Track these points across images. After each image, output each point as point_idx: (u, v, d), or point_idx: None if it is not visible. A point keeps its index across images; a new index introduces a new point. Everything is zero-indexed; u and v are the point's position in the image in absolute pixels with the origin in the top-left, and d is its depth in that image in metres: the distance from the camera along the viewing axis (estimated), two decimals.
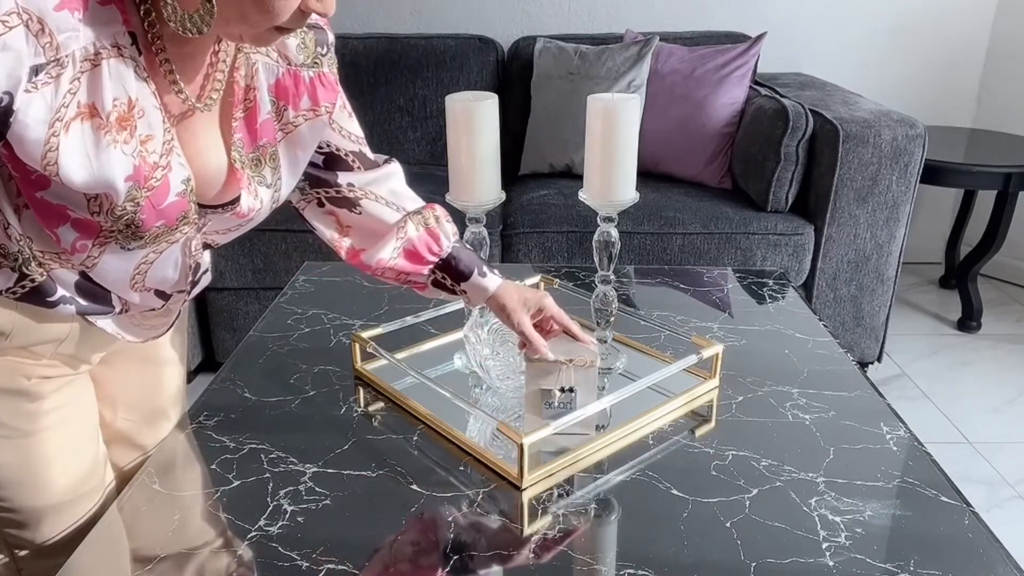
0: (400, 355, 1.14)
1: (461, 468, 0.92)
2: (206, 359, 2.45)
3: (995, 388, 2.42)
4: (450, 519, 0.84)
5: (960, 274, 2.80)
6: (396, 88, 2.79)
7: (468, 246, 1.04)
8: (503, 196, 1.09)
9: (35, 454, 0.90)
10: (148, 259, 0.84)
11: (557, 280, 1.35)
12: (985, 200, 2.95)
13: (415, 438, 0.98)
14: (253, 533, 0.82)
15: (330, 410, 1.04)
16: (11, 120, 0.66)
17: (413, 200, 1.05)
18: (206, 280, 0.98)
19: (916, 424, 2.19)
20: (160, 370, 1.09)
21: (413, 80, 2.79)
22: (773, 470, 0.91)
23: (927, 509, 0.85)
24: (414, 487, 0.89)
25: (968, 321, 2.77)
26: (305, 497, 0.87)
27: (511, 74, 2.84)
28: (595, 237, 1.08)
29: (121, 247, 0.80)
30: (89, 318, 0.88)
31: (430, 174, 2.64)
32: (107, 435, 1.03)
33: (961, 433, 2.20)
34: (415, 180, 2.82)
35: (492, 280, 1.00)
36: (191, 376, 2.42)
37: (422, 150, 2.84)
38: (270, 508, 0.85)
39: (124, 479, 1.04)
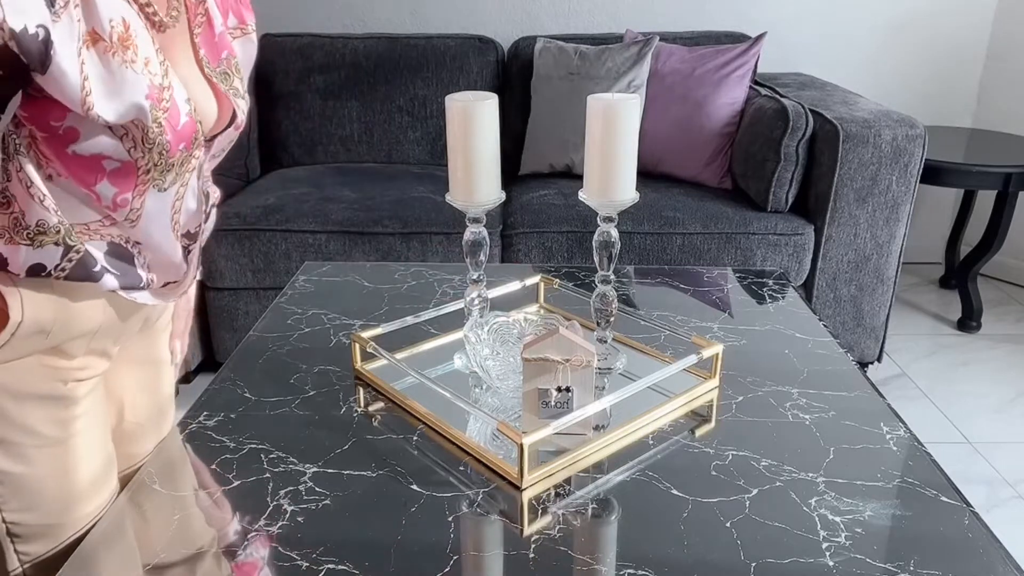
0: (400, 355, 1.14)
1: (461, 468, 0.92)
2: (206, 359, 2.45)
3: (995, 388, 2.42)
4: (450, 519, 0.84)
5: (960, 274, 2.80)
6: (396, 88, 2.79)
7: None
8: (503, 196, 1.09)
9: (64, 463, 0.90)
10: (180, 195, 0.85)
11: (557, 280, 1.35)
12: (985, 200, 2.95)
13: (415, 438, 0.98)
14: (253, 533, 0.82)
15: (330, 410, 1.04)
16: (52, 53, 0.64)
17: None
18: (213, 218, 0.99)
19: (916, 424, 2.20)
20: (159, 370, 1.09)
21: (413, 80, 2.79)
22: (773, 470, 0.91)
23: (927, 509, 0.85)
24: (414, 487, 0.89)
25: (968, 321, 2.77)
26: (305, 497, 0.87)
27: (511, 74, 2.84)
28: (595, 237, 1.08)
29: (158, 188, 0.80)
30: (123, 293, 0.87)
31: (430, 174, 2.64)
32: (113, 437, 1.04)
33: (961, 433, 2.20)
34: (415, 180, 2.82)
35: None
36: (191, 376, 2.42)
37: (422, 150, 2.84)
38: (270, 508, 0.85)
39: (124, 481, 1.04)
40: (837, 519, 0.83)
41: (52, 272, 0.79)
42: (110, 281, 0.84)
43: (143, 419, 1.07)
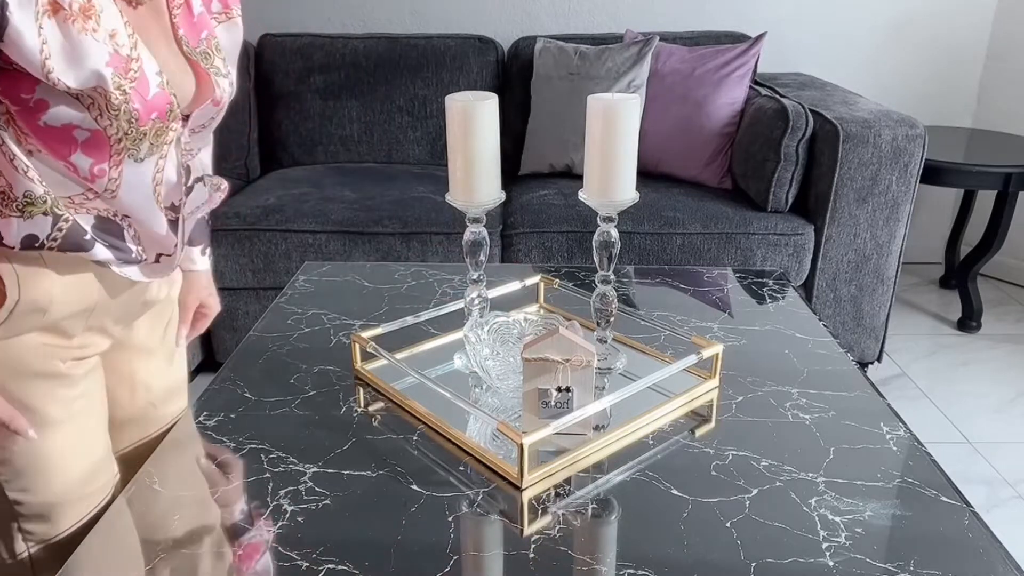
0: (400, 355, 1.14)
1: (461, 468, 0.92)
2: (206, 359, 2.45)
3: (995, 388, 2.42)
4: (450, 519, 0.84)
5: (960, 274, 2.80)
6: (396, 88, 2.79)
7: (208, 223, 1.17)
8: (503, 196, 1.09)
9: (63, 443, 0.92)
10: (160, 167, 0.87)
11: (557, 280, 1.35)
12: (985, 200, 2.95)
13: (415, 438, 0.98)
14: (253, 533, 0.82)
15: (330, 410, 1.04)
16: (7, 15, 0.67)
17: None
18: (201, 195, 1.00)
19: (916, 424, 2.20)
20: (168, 353, 1.13)
21: (413, 80, 2.79)
22: (773, 470, 0.91)
23: (927, 509, 0.85)
24: (414, 487, 0.89)
25: (968, 321, 2.77)
26: (305, 497, 0.87)
27: (511, 74, 2.84)
28: (595, 237, 1.08)
29: (133, 159, 0.82)
30: (115, 269, 0.89)
31: (430, 174, 2.64)
32: (126, 415, 1.08)
33: (961, 433, 2.20)
34: (415, 180, 2.81)
35: (200, 262, 1.16)
36: (191, 376, 2.42)
37: (422, 150, 2.84)
38: (270, 508, 0.85)
39: (130, 460, 1.08)
40: (837, 519, 0.83)
41: (45, 243, 0.81)
42: (101, 251, 0.85)
43: (155, 400, 1.11)
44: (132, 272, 0.91)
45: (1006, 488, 1.97)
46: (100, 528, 0.84)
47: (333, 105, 2.79)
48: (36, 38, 0.70)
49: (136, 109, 0.79)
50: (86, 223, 0.85)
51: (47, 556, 0.95)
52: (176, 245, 0.95)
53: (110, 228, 0.87)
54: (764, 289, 1.42)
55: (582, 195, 1.06)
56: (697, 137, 2.49)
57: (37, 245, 0.81)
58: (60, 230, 0.82)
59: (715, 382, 1.09)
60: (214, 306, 1.21)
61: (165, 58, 0.85)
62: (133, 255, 0.90)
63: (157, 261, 0.95)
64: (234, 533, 0.82)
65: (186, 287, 1.16)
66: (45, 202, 0.80)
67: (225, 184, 1.09)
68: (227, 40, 0.96)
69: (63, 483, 0.93)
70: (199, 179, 0.99)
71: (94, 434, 0.97)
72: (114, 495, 1.00)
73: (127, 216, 0.88)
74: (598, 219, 1.08)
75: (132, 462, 1.08)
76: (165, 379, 1.13)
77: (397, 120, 2.81)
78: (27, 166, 0.78)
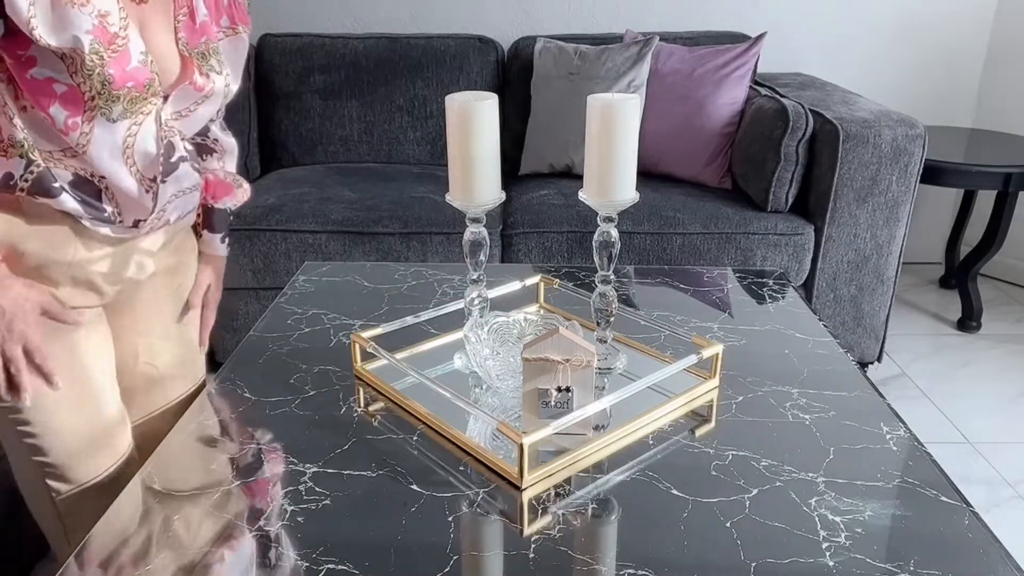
0: (400, 355, 1.14)
1: (461, 468, 0.92)
2: (206, 359, 2.45)
3: (995, 388, 2.42)
4: (450, 519, 0.84)
5: (960, 274, 2.80)
6: (396, 88, 2.79)
7: (231, 215, 1.31)
8: (503, 196, 1.09)
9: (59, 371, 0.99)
10: (132, 132, 0.95)
11: (557, 280, 1.35)
12: (985, 200, 2.95)
13: (415, 438, 0.98)
14: (253, 533, 0.82)
15: (330, 410, 1.04)
16: None
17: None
18: (188, 177, 1.06)
19: (916, 424, 2.20)
20: (177, 319, 1.22)
21: (413, 80, 2.79)
22: (773, 470, 0.91)
23: (927, 509, 0.85)
24: (414, 487, 0.89)
25: (968, 321, 2.77)
26: (305, 497, 0.87)
27: (511, 74, 2.84)
28: (595, 237, 1.09)
29: (106, 118, 0.92)
30: (87, 223, 0.97)
31: (430, 174, 2.64)
32: (132, 382, 1.16)
33: (961, 433, 2.20)
34: (415, 180, 2.80)
35: (220, 248, 1.30)
36: None
37: (422, 150, 2.84)
38: (270, 508, 0.85)
39: (144, 430, 1.17)
40: (837, 519, 0.83)
41: (18, 183, 0.92)
42: (68, 201, 0.95)
43: (158, 371, 1.19)
44: (105, 228, 1.00)
45: (1006, 488, 1.97)
46: (100, 528, 0.84)
47: (333, 105, 2.79)
48: (25, 1, 0.83)
49: (111, 74, 0.89)
50: (64, 179, 0.95)
51: (73, 504, 1.04)
52: (151, 211, 1.02)
53: (87, 186, 0.96)
54: (764, 289, 1.42)
55: (582, 195, 1.06)
56: (697, 137, 2.49)
57: (12, 184, 0.92)
58: (32, 173, 0.92)
59: (715, 382, 1.09)
60: (217, 293, 1.31)
61: (161, 46, 0.97)
62: (107, 215, 0.98)
63: (135, 226, 1.02)
64: (234, 534, 0.82)
65: (203, 265, 1.28)
66: (23, 146, 0.92)
67: (247, 184, 1.23)
68: (230, 50, 1.06)
69: (59, 422, 1.01)
70: (183, 158, 1.04)
71: (85, 376, 1.03)
72: (128, 462, 1.08)
73: (104, 178, 0.96)
74: (598, 219, 1.08)
75: (141, 439, 1.15)
76: (168, 354, 1.20)
77: (397, 120, 2.81)
78: (13, 113, 0.91)
